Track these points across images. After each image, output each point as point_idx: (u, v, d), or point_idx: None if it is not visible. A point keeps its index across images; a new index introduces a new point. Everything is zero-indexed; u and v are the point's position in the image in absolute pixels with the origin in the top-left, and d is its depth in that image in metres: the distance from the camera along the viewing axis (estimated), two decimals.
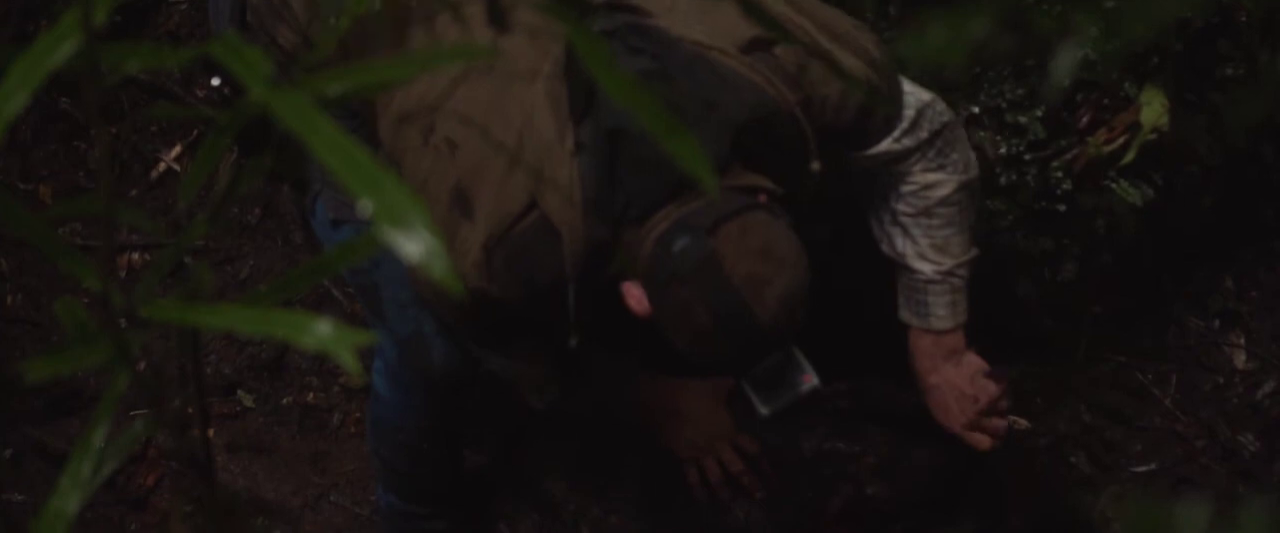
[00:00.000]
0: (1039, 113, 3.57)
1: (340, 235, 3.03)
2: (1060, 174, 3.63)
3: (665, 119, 1.29)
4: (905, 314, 3.20)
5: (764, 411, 3.02)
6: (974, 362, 3.24)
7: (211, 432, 4.01)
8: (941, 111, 2.99)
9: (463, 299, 2.78)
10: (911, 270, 3.13)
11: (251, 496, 3.89)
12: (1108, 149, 3.62)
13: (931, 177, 3.00)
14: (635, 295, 2.71)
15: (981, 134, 3.57)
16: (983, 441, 3.24)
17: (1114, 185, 3.67)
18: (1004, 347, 3.92)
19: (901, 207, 3.06)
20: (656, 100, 1.29)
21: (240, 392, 4.13)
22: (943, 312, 3.16)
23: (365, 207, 1.18)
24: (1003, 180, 3.61)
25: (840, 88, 2.81)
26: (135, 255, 4.23)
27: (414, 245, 1.16)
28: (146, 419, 1.56)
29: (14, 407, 3.88)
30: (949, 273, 3.12)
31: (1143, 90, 3.59)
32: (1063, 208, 3.66)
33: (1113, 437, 4.05)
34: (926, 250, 3.10)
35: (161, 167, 4.38)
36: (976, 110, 3.58)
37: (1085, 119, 3.64)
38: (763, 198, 2.68)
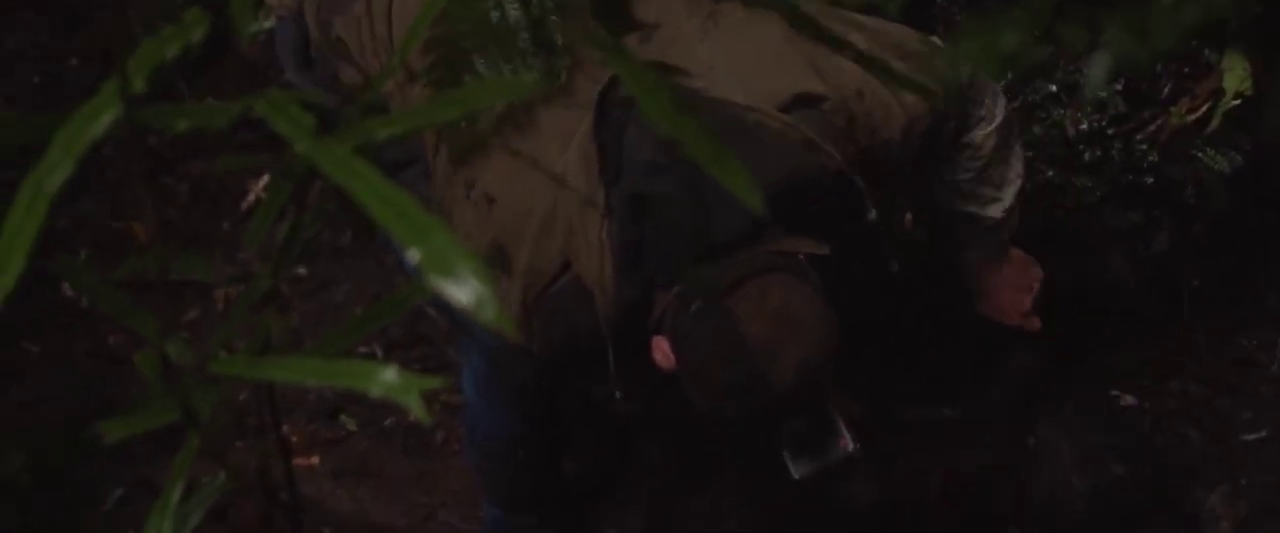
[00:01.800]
0: (1119, 86, 3.53)
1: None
2: (1145, 147, 3.59)
3: (710, 145, 1.28)
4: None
5: (795, 473, 3.01)
6: (1018, 255, 3.31)
7: (316, 460, 4.04)
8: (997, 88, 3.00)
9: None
10: (984, 218, 3.16)
11: (359, 520, 3.91)
12: (1191, 118, 3.58)
13: (978, 134, 2.99)
14: (662, 350, 2.72)
15: (1061, 112, 3.55)
16: (1037, 322, 3.33)
17: (1200, 154, 3.63)
18: (1101, 325, 3.89)
19: (961, 177, 3.06)
20: (699, 127, 1.28)
21: (343, 416, 4.14)
22: (1000, 215, 3.17)
23: (413, 256, 1.18)
24: (1087, 157, 3.58)
25: (903, 122, 2.80)
26: (233, 289, 4.27)
27: (464, 293, 1.16)
28: (225, 477, 1.57)
29: (122, 445, 3.90)
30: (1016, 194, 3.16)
31: (1223, 56, 3.55)
32: (1150, 180, 3.63)
33: (1222, 407, 4.00)
34: (993, 195, 3.13)
35: (252, 197, 4.42)
36: (1054, 88, 3.55)
37: (1166, 89, 3.60)
38: (802, 258, 2.67)
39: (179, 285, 4.19)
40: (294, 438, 4.03)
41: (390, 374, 1.27)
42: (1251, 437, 3.95)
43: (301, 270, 4.34)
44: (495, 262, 2.68)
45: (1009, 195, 3.13)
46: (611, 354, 2.72)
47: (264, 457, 1.78)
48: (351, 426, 4.14)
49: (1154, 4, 0.95)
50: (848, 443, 2.97)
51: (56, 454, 2.42)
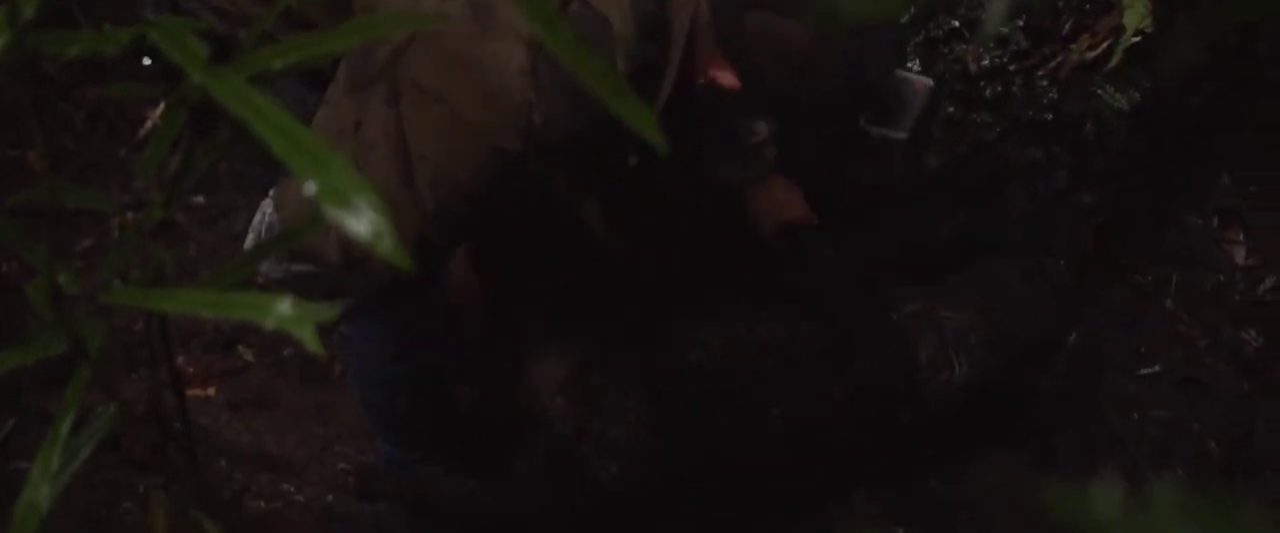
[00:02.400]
0: (1020, 22, 3.55)
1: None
2: (1045, 83, 3.61)
3: None
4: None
5: (902, 134, 3.01)
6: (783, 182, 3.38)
7: (212, 391, 4.00)
8: None
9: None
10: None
11: (256, 450, 3.88)
12: (1092, 55, 3.60)
13: None
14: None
15: (963, 48, 3.55)
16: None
17: (1100, 91, 3.65)
18: (1002, 257, 3.91)
19: None
20: None
21: (240, 347, 4.11)
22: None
23: (310, 188, 1.16)
24: (988, 93, 3.59)
25: None
26: (129, 217, 4.21)
27: (361, 225, 1.15)
28: (116, 408, 1.55)
29: (14, 376, 3.86)
30: None
31: None
32: (1050, 117, 3.64)
33: (1115, 341, 4.04)
34: None
35: (149, 124, 4.37)
36: (956, 24, 3.55)
37: (1068, 26, 3.62)
38: None
39: (73, 214, 4.15)
40: (190, 369, 3.99)
41: (285, 307, 1.26)
42: (1146, 372, 3.98)
43: (200, 199, 4.30)
44: (480, 18, 2.52)
45: None
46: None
47: (156, 387, 1.75)
48: (249, 357, 4.10)
49: None
50: (924, 82, 2.97)
51: None
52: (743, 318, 3.77)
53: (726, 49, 2.71)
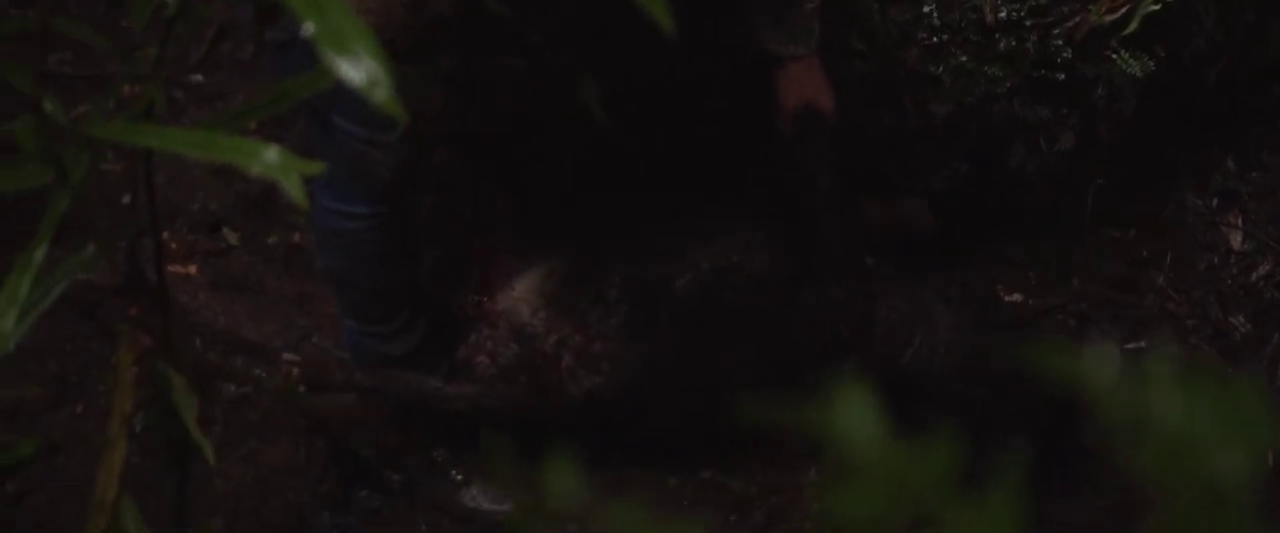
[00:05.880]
0: None
1: (290, 57, 2.89)
2: (1061, 42, 3.58)
3: None
4: None
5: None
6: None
7: (194, 269, 3.98)
8: None
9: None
10: None
11: (232, 334, 3.86)
12: (1110, 18, 3.57)
13: None
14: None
15: None
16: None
17: (1115, 56, 3.62)
18: (1001, 217, 3.89)
19: None
20: None
21: (226, 229, 4.08)
22: None
23: (308, 30, 1.14)
24: (1002, 46, 3.57)
25: None
26: (126, 88, 4.18)
27: (357, 71, 1.13)
28: (96, 245, 1.53)
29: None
30: None
31: None
32: (1062, 77, 3.62)
33: (1104, 314, 4.02)
34: None
35: None
36: None
37: None
38: None
39: (69, 78, 4.11)
40: (173, 245, 3.95)
41: (271, 154, 1.24)
42: (1132, 347, 3.96)
43: (198, 77, 4.27)
44: None
45: None
46: None
47: (135, 249, 1.73)
48: (233, 240, 4.07)
49: None
50: None
51: None
52: (738, 243, 3.74)
53: None
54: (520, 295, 3.83)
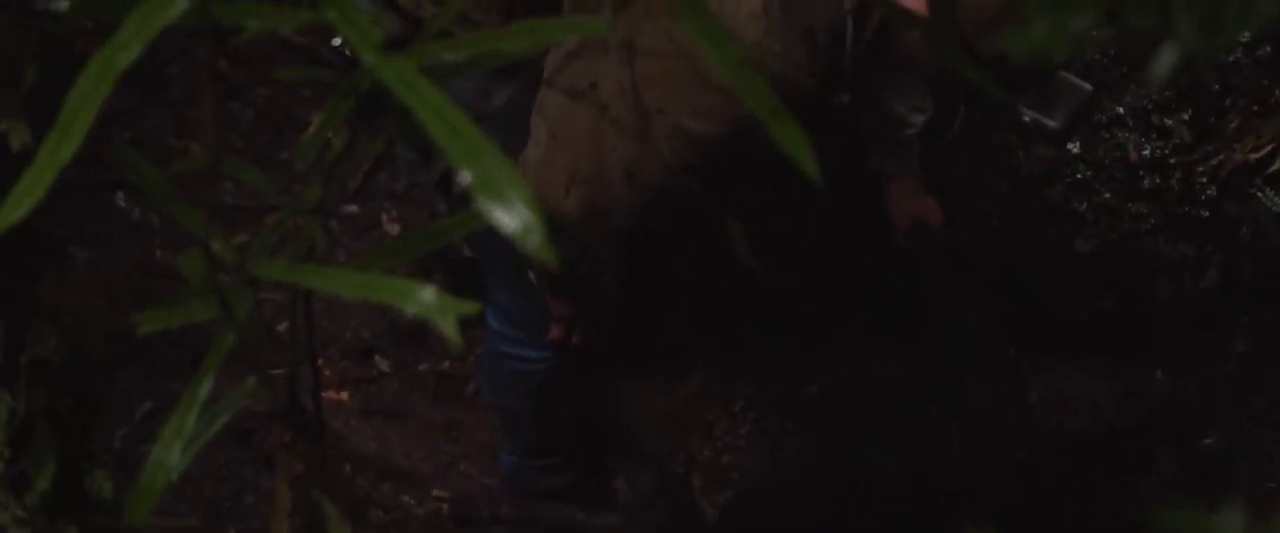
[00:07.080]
0: (1186, 116, 3.53)
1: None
2: (1205, 179, 3.58)
3: None
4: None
5: (1055, 124, 3.03)
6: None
7: (346, 395, 4.05)
8: None
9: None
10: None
11: (382, 460, 3.92)
12: (1255, 156, 3.57)
13: None
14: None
15: (1125, 135, 3.54)
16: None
17: (1259, 194, 3.61)
18: (1144, 350, 3.88)
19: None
20: None
21: (377, 357, 4.16)
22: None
23: (465, 177, 1.19)
24: (1146, 183, 3.57)
25: None
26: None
27: (511, 219, 1.17)
28: (253, 382, 1.58)
29: (159, 362, 3.92)
30: None
31: None
32: (1206, 214, 3.62)
33: (1252, 453, 3.98)
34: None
35: (312, 129, 4.44)
36: (1121, 111, 3.54)
37: (1233, 125, 3.59)
38: None
39: (231, 209, 4.21)
40: (326, 372, 4.04)
41: (428, 294, 1.28)
42: (1273, 485, 3.92)
43: (353, 208, 4.36)
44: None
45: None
46: (850, 33, 2.54)
47: (294, 378, 1.79)
48: (384, 367, 4.15)
49: None
50: (1086, 85, 3.01)
51: (93, 344, 2.43)
52: (865, 352, 3.77)
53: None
54: (650, 417, 3.87)
